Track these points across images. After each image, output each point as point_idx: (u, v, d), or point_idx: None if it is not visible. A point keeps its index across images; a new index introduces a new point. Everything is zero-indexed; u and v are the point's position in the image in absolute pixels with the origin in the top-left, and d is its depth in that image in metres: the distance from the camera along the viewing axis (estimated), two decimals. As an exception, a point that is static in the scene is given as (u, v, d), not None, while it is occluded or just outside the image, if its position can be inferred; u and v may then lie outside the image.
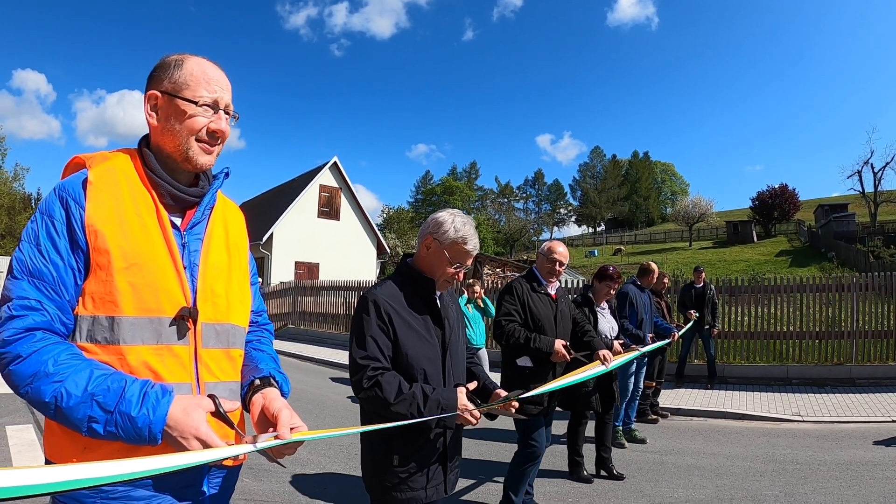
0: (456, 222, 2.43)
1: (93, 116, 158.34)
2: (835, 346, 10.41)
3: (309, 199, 31.58)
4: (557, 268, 4.28)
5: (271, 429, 1.43)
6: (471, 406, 2.32)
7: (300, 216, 30.91)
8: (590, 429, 5.60)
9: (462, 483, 5.06)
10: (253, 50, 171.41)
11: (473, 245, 2.44)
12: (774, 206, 59.09)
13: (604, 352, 4.22)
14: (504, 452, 4.33)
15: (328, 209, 32.55)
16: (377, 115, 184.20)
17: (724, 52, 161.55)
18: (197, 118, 1.49)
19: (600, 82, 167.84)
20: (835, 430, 7.24)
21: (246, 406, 1.56)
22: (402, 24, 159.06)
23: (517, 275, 4.36)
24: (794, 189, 59.00)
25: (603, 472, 5.50)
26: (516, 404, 2.55)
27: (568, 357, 3.96)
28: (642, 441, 6.78)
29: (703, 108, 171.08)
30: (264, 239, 28.86)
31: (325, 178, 32.47)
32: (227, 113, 1.56)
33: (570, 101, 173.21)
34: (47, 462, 1.39)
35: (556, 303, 4.30)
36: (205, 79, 1.51)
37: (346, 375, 2.29)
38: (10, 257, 1.44)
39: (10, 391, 1.26)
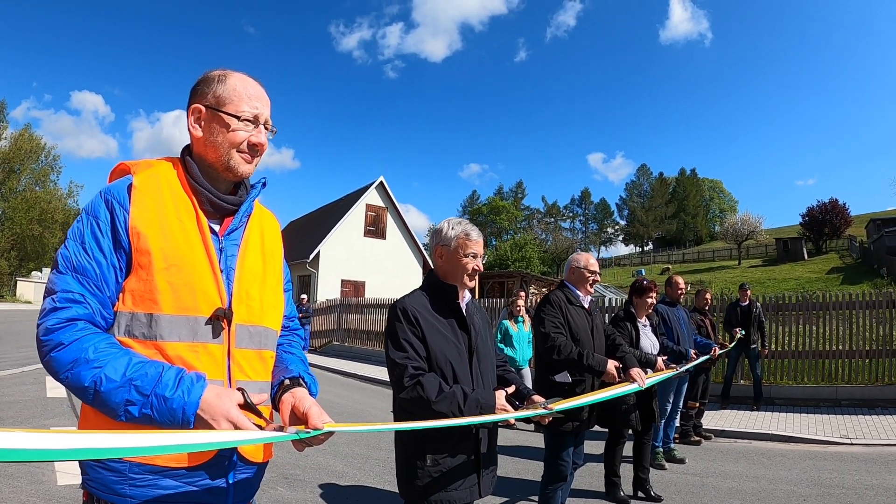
0: (451, 223, 2.70)
1: (149, 136, 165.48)
2: (886, 366, 10.01)
3: (355, 218, 32.14)
4: (597, 278, 4.34)
5: (302, 424, 1.49)
6: (509, 407, 2.48)
7: (347, 235, 31.46)
8: (627, 448, 5.54)
9: (495, 500, 5.09)
10: (307, 71, 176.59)
11: (476, 234, 2.67)
12: (825, 221, 57.64)
13: (636, 371, 4.02)
14: (540, 470, 4.35)
15: (374, 228, 33.07)
16: (430, 135, 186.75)
17: (774, 64, 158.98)
18: (238, 132, 1.59)
19: (652, 99, 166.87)
20: (884, 453, 7.04)
21: (276, 405, 1.62)
22: (455, 45, 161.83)
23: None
24: (844, 204, 57.55)
25: (640, 494, 5.44)
26: (554, 412, 2.64)
27: (617, 378, 3.92)
28: (681, 461, 6.70)
29: (753, 121, 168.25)
30: (311, 257, 29.45)
31: (372, 197, 33.05)
32: (265, 127, 1.66)
33: (622, 120, 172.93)
34: None
35: (591, 315, 4.31)
36: (246, 95, 1.61)
37: (389, 391, 2.42)
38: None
39: (59, 395, 1.37)
